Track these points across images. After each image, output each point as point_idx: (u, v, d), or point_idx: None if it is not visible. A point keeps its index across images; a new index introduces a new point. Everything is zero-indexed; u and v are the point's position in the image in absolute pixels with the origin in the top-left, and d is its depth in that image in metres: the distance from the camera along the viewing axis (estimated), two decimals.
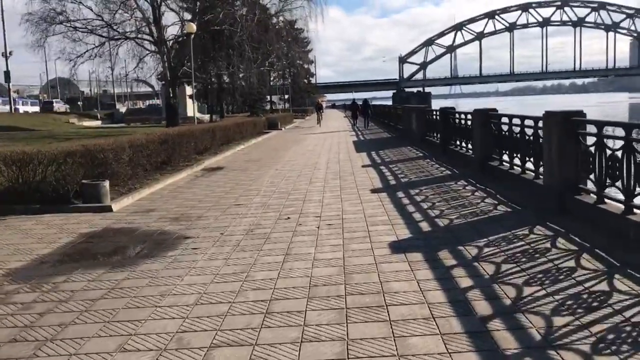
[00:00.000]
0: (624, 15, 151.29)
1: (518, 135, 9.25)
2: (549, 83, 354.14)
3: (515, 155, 9.43)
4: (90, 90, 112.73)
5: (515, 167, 9.43)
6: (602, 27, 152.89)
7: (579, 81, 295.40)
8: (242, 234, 7.12)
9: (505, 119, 10.33)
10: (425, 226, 6.98)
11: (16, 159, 9.38)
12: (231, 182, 12.25)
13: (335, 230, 7.02)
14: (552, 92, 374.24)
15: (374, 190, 9.87)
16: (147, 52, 30.59)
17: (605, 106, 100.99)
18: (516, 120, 9.46)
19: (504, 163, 9.96)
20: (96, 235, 7.50)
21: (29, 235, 7.56)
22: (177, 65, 30.10)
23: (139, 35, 30.54)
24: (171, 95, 29.54)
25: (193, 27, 23.23)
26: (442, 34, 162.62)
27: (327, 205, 8.73)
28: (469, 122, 12.26)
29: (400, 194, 9.26)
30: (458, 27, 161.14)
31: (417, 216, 7.54)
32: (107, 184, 9.56)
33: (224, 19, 31.29)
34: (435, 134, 16.74)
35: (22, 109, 72.34)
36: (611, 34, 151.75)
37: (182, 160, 15.44)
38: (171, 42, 31.14)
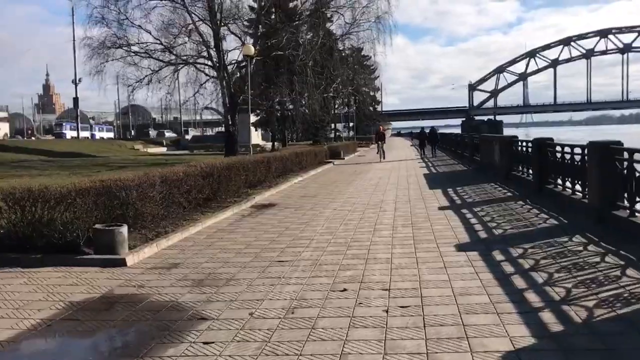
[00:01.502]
0: None
1: None
2: (627, 112, 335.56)
3: None
4: (162, 117, 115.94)
5: None
6: None
7: None
8: (278, 316, 5.01)
9: None
10: (553, 318, 4.58)
11: (19, 197, 7.74)
12: (280, 225, 10.23)
13: (412, 318, 4.77)
14: (631, 122, 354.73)
15: (460, 247, 7.53)
16: (207, 77, 29.59)
17: None
18: None
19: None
20: (88, 307, 5.60)
21: (1, 303, 5.75)
22: (237, 91, 28.84)
23: (199, 60, 29.62)
24: (230, 122, 28.21)
25: (251, 49, 21.82)
26: (513, 62, 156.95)
27: (398, 270, 6.49)
28: (579, 157, 9.73)
29: (498, 255, 6.87)
30: (531, 54, 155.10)
31: (533, 298, 5.16)
32: (124, 229, 7.72)
33: (288, 43, 29.91)
34: (525, 170, 14.14)
35: (98, 135, 74.72)
36: None
37: (231, 195, 13.62)
38: (232, 67, 30.01)
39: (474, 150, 24.74)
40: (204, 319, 5.07)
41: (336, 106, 72.17)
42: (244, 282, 6.26)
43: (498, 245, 7.43)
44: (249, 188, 15.46)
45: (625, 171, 7.59)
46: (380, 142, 32.65)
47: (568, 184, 10.36)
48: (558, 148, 11.06)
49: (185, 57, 28.72)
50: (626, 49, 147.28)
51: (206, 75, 29.59)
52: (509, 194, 13.02)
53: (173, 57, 28.18)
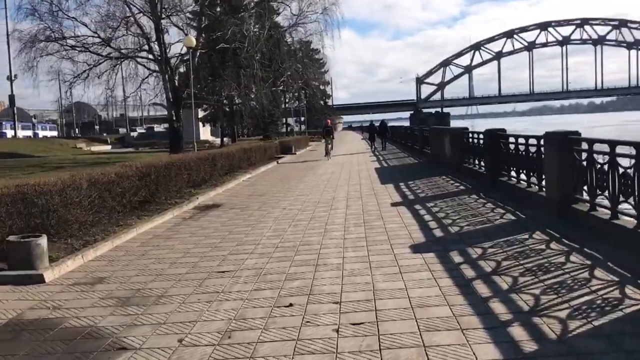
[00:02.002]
0: None
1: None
2: (566, 102, 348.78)
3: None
4: (107, 113, 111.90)
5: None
6: (624, 44, 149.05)
7: (597, 100, 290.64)
8: (211, 343, 4.31)
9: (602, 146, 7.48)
10: (524, 335, 4.04)
11: None
12: (224, 228, 9.47)
13: (366, 339, 4.16)
14: (570, 112, 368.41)
15: (415, 249, 6.99)
16: (149, 72, 28.21)
17: (627, 125, 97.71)
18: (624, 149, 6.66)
19: (599, 208, 7.06)
20: None
21: None
22: (182, 86, 27.64)
23: (140, 54, 28.23)
24: (174, 118, 26.98)
25: (192, 40, 20.77)
26: (459, 54, 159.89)
27: (350, 277, 5.88)
28: (534, 148, 9.38)
29: (457, 257, 6.36)
30: (476, 47, 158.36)
31: (499, 308, 4.64)
32: (43, 240, 6.81)
33: (233, 35, 28.86)
34: (477, 162, 13.84)
35: (41, 134, 71.16)
36: (633, 51, 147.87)
37: (171, 196, 12.74)
38: (175, 61, 28.71)
39: (424, 143, 24.54)
40: (124, 348, 4.31)
41: (287, 100, 71.36)
42: (177, 300, 5.52)
43: (455, 245, 6.93)
44: (193, 188, 14.59)
45: (585, 162, 7.23)
46: (327, 138, 27.74)
47: (523, 176, 10.03)
48: (512, 139, 10.73)
49: (124, 51, 27.25)
50: (565, 41, 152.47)
51: (148, 69, 28.24)
52: (462, 187, 12.67)
53: (112, 50, 26.65)
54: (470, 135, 14.48)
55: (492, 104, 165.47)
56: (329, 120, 30.28)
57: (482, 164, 13.25)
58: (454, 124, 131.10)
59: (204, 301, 5.40)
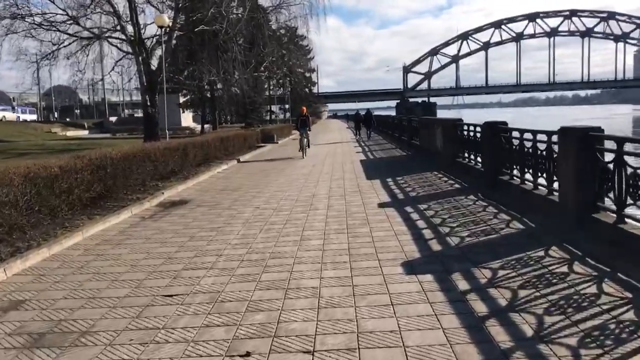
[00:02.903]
0: (634, 26, 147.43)
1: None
2: (551, 94, 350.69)
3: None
4: (89, 98, 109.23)
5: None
6: (612, 37, 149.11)
7: (582, 93, 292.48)
8: None
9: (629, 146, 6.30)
10: None
11: None
12: (185, 232, 8.17)
13: None
14: (555, 104, 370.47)
15: (408, 267, 5.74)
16: (123, 53, 26.58)
17: (615, 118, 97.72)
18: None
19: (629, 220, 5.87)
20: None
21: None
22: (158, 69, 26.04)
23: (114, 34, 26.54)
24: (148, 103, 25.40)
25: (165, 19, 19.26)
26: (447, 44, 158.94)
27: (328, 310, 4.63)
28: (542, 146, 8.16)
29: (461, 281, 5.13)
30: (464, 36, 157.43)
31: None
32: None
33: (213, 17, 27.30)
34: (473, 157, 12.64)
35: (22, 117, 68.98)
36: (620, 44, 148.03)
37: (133, 191, 11.39)
38: (150, 42, 27.04)
39: (413, 134, 23.32)
40: None
41: (271, 87, 69.76)
42: (103, 340, 4.23)
43: (457, 264, 5.71)
44: (160, 181, 13.26)
45: (612, 165, 6.03)
46: (302, 130, 21.59)
47: (528, 176, 8.82)
48: (516, 134, 9.51)
49: (96, 31, 25.54)
50: (553, 32, 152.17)
51: (122, 51, 26.60)
52: (457, 185, 11.47)
53: (81, 29, 24.94)
54: (466, 127, 13.25)
55: (479, 94, 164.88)
56: (304, 108, 23.38)
57: (479, 160, 12.05)
58: (440, 114, 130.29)
59: (137, 344, 4.12)
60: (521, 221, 7.52)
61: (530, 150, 8.62)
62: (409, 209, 9.09)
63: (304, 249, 6.75)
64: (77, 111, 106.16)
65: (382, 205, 9.67)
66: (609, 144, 6.41)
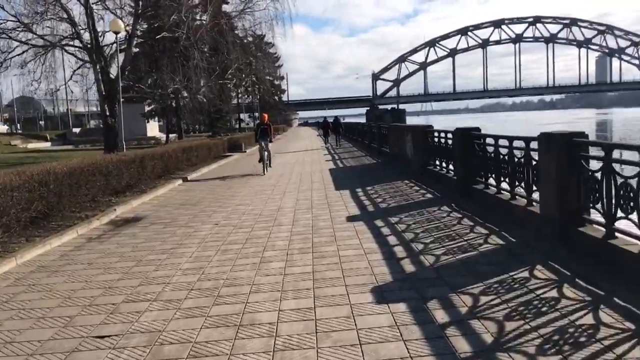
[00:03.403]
0: (595, 32, 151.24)
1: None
2: (518, 100, 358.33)
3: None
4: (54, 109, 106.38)
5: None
6: (574, 42, 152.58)
7: (547, 98, 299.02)
8: None
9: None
10: None
11: None
12: (133, 255, 7.36)
13: None
14: (521, 109, 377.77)
15: (380, 296, 5.06)
16: (81, 62, 25.42)
17: (580, 122, 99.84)
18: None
19: (620, 234, 5.32)
20: None
21: None
22: (116, 78, 24.94)
23: (73, 42, 25.39)
24: (108, 113, 24.30)
25: (120, 24, 18.35)
26: (414, 51, 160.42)
27: (285, 353, 3.91)
28: (519, 153, 7.62)
29: (440, 313, 4.48)
30: (431, 43, 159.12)
31: None
32: None
33: (176, 24, 26.37)
34: (445, 165, 12.11)
35: None
36: (583, 50, 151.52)
37: (82, 208, 10.50)
38: (109, 50, 25.91)
39: (383, 142, 22.83)
40: None
41: (239, 95, 68.88)
42: None
43: (434, 288, 5.06)
44: (115, 195, 12.36)
45: (599, 174, 5.48)
46: (263, 142, 17.74)
47: (505, 185, 8.29)
48: (490, 140, 8.98)
49: (51, 38, 24.34)
50: (518, 38, 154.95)
51: (80, 59, 25.43)
52: (429, 195, 10.90)
53: (34, 37, 23.72)
54: (437, 134, 12.73)
55: (447, 100, 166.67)
56: (265, 115, 19.76)
57: (452, 168, 11.53)
58: (410, 120, 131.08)
59: None
60: (500, 235, 6.95)
61: (507, 157, 8.09)
62: (379, 222, 8.44)
63: (263, 274, 6.03)
64: (42, 122, 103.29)
65: (351, 219, 9.01)
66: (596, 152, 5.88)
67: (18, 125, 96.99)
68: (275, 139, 27.41)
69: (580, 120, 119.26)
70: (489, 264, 5.75)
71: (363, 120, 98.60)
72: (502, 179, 8.42)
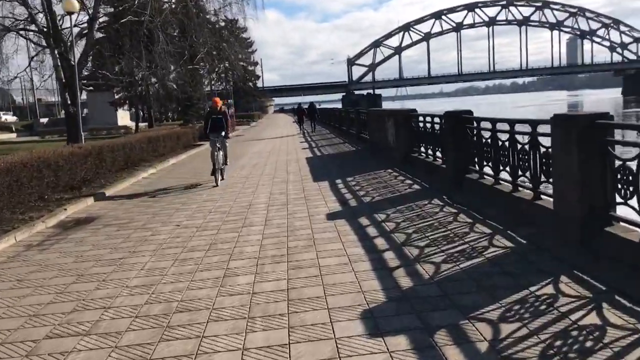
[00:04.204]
0: (567, 14, 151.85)
1: None
2: (490, 83, 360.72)
3: None
4: (23, 99, 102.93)
5: None
6: (547, 25, 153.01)
7: (520, 80, 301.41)
8: None
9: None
10: None
11: None
12: (75, 268, 6.19)
13: None
14: (495, 92, 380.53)
15: (370, 322, 4.00)
16: (39, 47, 23.72)
17: (549, 105, 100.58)
18: None
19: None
20: None
21: None
22: (79, 64, 23.34)
23: (28, 27, 23.65)
24: (69, 102, 22.72)
25: (75, 4, 16.80)
26: (389, 35, 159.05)
27: None
28: (524, 138, 6.61)
29: (449, 348, 3.45)
30: (405, 27, 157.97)
31: None
32: None
33: (142, 6, 24.78)
34: (431, 153, 11.10)
35: None
36: (555, 33, 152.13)
37: (25, 209, 9.25)
38: (69, 34, 24.21)
39: (361, 128, 21.77)
40: None
41: (212, 82, 67.04)
42: None
43: (440, 312, 4.03)
44: (70, 191, 11.11)
45: (634, 164, 4.50)
46: (215, 138, 12.49)
47: (506, 175, 7.30)
48: (485, 124, 7.96)
49: (4, 22, 22.59)
50: (491, 21, 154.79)
51: (38, 45, 23.71)
52: (417, 186, 9.88)
53: None
54: (422, 119, 11.70)
55: (422, 85, 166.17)
56: (217, 101, 13.07)
57: (439, 155, 10.53)
58: (385, 105, 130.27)
59: None
60: (505, 235, 5.95)
61: (507, 144, 7.09)
62: (364, 220, 7.40)
63: (226, 292, 4.93)
64: (10, 113, 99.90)
65: (331, 216, 7.94)
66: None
67: None
68: (253, 124, 25.89)
69: (554, 102, 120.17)
70: (501, 274, 4.74)
71: (339, 106, 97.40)
72: (500, 167, 7.43)
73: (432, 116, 10.99)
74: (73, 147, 11.66)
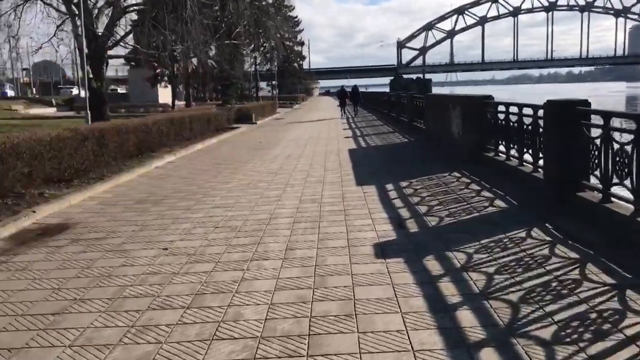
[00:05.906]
0: (635, 0, 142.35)
1: None
2: (545, 72, 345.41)
3: None
4: (73, 74, 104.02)
5: None
6: (612, 12, 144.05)
7: (576, 70, 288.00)
8: None
9: None
10: None
11: None
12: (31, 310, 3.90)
13: None
14: (549, 81, 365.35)
15: None
16: (65, 16, 21.85)
17: (614, 96, 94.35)
18: None
19: None
20: None
21: None
22: (105, 35, 21.39)
23: None
24: (90, 76, 20.78)
25: None
26: (442, 18, 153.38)
27: None
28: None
29: None
30: (459, 11, 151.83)
31: None
32: None
33: None
34: (514, 153, 8.36)
35: (10, 93, 66.50)
36: (619, 20, 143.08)
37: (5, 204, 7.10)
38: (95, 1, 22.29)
39: (415, 115, 18.99)
40: None
41: (257, 62, 64.95)
42: None
43: None
44: (57, 184, 9.00)
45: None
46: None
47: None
48: (615, 122, 5.24)
49: None
50: (552, 6, 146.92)
51: (59, 12, 21.87)
52: (500, 202, 7.17)
53: None
54: (503, 108, 8.96)
55: (474, 71, 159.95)
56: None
57: (528, 157, 7.81)
58: (435, 91, 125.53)
59: None
60: None
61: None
62: (434, 264, 4.83)
63: None
64: (60, 87, 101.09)
65: (383, 250, 5.39)
66: None
67: (33, 89, 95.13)
68: (296, 107, 23.49)
69: (613, 94, 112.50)
70: None
71: (387, 90, 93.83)
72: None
73: (521, 106, 8.23)
74: (64, 130, 9.52)
